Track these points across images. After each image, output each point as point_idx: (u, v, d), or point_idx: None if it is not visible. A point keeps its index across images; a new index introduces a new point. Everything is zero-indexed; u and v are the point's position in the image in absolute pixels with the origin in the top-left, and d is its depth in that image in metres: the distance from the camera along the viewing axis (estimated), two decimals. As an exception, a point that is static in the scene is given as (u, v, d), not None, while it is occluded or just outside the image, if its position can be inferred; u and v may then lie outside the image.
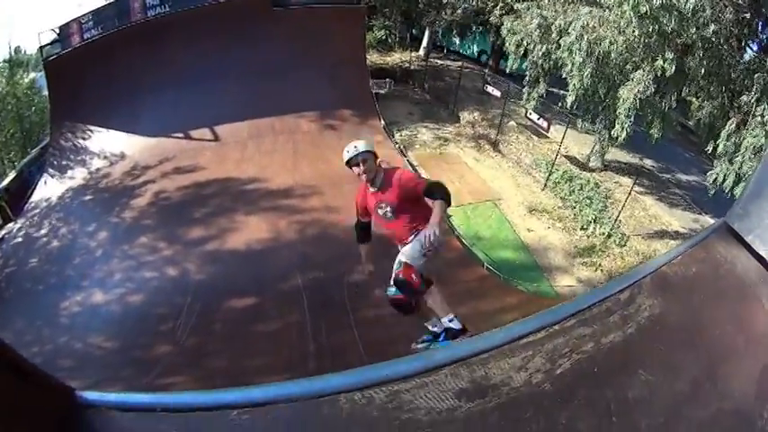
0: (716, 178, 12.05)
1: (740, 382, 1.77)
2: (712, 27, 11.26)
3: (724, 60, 11.93)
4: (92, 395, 1.62)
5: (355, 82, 16.44)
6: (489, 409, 1.58)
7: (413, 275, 4.39)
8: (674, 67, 11.92)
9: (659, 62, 12.05)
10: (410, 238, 4.65)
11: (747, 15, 12.15)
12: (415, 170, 13.79)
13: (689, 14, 11.17)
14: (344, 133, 13.60)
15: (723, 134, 11.78)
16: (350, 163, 4.66)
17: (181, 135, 15.19)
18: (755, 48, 13.10)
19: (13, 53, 24.78)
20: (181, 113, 15.21)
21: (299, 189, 12.58)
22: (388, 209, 4.67)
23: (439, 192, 4.41)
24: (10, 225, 13.13)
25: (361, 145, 4.62)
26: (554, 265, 11.63)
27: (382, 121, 15.99)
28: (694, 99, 13.38)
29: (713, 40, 11.55)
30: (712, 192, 12.58)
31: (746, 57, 12.84)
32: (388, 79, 18.08)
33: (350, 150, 4.62)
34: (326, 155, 13.79)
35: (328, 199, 12.09)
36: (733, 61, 12.06)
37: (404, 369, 1.66)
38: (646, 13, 11.43)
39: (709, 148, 12.38)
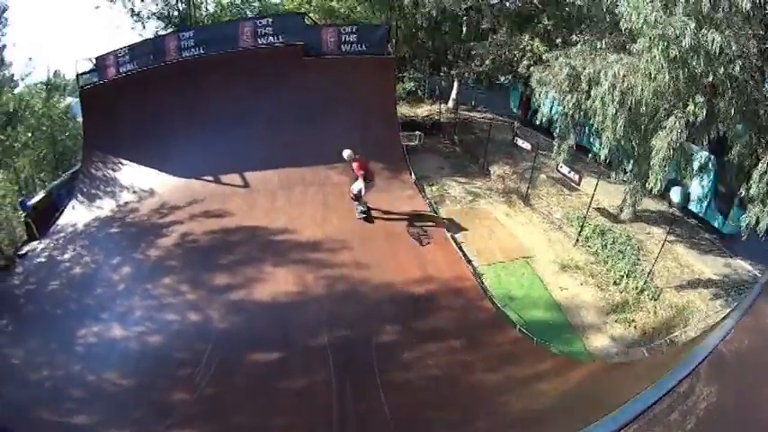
0: (749, 222, 11.73)
1: None
2: (738, 63, 11.17)
3: (751, 96, 11.78)
4: None
5: (386, 134, 16.48)
6: None
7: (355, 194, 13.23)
8: (704, 111, 11.81)
9: (690, 107, 11.93)
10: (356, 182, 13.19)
11: None
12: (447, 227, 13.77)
13: (716, 53, 11.12)
14: (375, 187, 13.59)
15: (755, 175, 11.45)
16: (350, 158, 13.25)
17: (211, 178, 15.28)
18: None
19: (51, 76, 25.39)
20: (211, 156, 15.39)
21: (328, 243, 12.41)
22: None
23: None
24: (34, 243, 13.28)
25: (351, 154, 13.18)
26: (587, 323, 11.28)
27: (413, 176, 15.88)
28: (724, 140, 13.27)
29: (739, 77, 11.44)
30: (745, 236, 12.38)
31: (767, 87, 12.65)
32: (418, 132, 18.09)
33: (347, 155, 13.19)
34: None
35: (358, 254, 11.97)
36: (760, 96, 11.91)
37: None
38: (675, 57, 11.39)
39: (742, 192, 12.05)
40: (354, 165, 13.11)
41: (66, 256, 12.83)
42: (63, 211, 14.53)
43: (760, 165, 11.38)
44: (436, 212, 14.45)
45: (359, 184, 13.15)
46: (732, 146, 12.17)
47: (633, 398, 2.47)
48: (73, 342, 9.97)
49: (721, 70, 11.20)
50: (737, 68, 11.06)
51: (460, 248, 12.90)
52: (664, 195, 15.33)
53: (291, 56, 16.29)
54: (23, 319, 10.67)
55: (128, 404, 8.54)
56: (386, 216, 13.62)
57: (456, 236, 13.50)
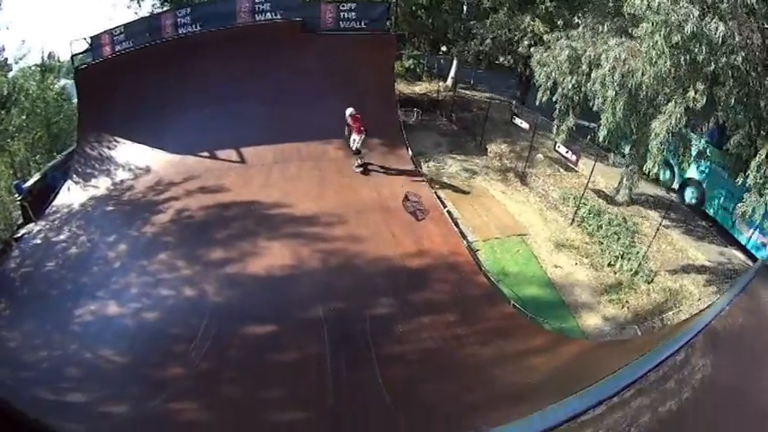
0: (744, 211, 11.82)
1: None
2: (741, 54, 11.13)
3: (752, 88, 11.75)
4: None
5: (383, 111, 16.40)
6: None
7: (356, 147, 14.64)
8: (705, 99, 11.78)
9: (690, 94, 11.90)
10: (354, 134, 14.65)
11: None
12: (443, 203, 13.72)
13: (719, 42, 11.06)
14: (371, 162, 13.52)
15: (753, 165, 11.46)
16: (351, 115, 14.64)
17: (206, 154, 15.22)
18: None
19: (45, 58, 25.22)
20: (207, 133, 15.30)
21: (323, 217, 12.41)
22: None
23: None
24: (30, 225, 13.15)
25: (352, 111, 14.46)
26: (580, 302, 11.35)
27: (410, 152, 15.90)
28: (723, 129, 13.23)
29: (741, 67, 11.40)
30: (739, 225, 12.36)
31: None
32: (416, 109, 18.16)
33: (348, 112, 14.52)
34: (352, 183, 13.72)
35: (353, 228, 11.97)
36: (761, 88, 11.89)
37: None
38: (677, 43, 11.32)
39: (740, 180, 12.12)
40: (352, 121, 14.42)
41: (62, 236, 12.75)
42: (58, 192, 14.40)
43: (758, 155, 11.41)
44: (433, 188, 14.44)
45: (359, 138, 14.40)
46: (731, 136, 12.17)
47: (628, 366, 2.45)
48: (69, 322, 9.94)
49: (723, 60, 11.17)
50: (740, 59, 11.01)
51: (456, 224, 12.93)
52: (671, 188, 15.33)
53: (289, 32, 16.10)
54: (20, 301, 10.60)
55: (124, 380, 8.54)
56: (382, 189, 13.60)
57: (451, 212, 13.51)
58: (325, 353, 8.65)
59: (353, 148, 14.62)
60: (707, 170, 14.31)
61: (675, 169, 15.20)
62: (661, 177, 15.40)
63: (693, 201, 14.82)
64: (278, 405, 7.81)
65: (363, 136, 14.52)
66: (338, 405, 7.67)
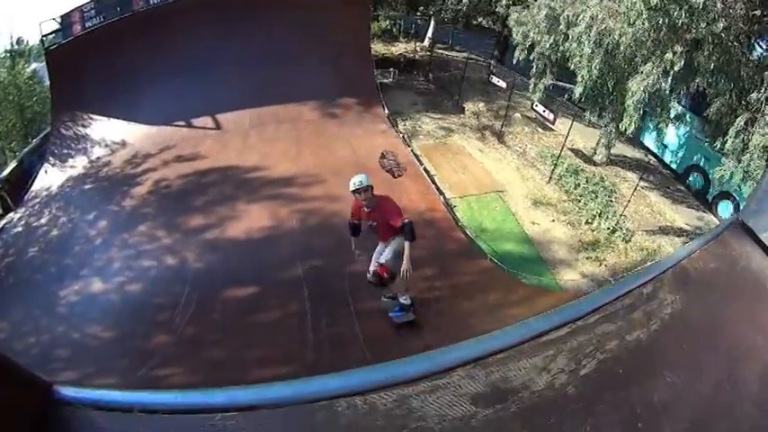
0: (722, 175, 11.96)
1: (761, 382, 1.66)
2: (722, 23, 11.09)
3: (733, 57, 11.74)
4: (69, 391, 1.47)
5: (359, 71, 16.30)
6: (510, 416, 1.42)
7: (384, 273, 7.28)
8: (682, 62, 11.77)
9: (668, 56, 11.89)
10: (388, 241, 7.33)
11: (758, 12, 11.99)
12: (419, 161, 13.70)
13: (699, 8, 10.99)
14: (347, 122, 13.47)
15: (731, 131, 11.60)
16: (355, 192, 6.79)
17: (182, 123, 15.11)
18: (765, 45, 12.90)
19: (14, 44, 24.75)
20: (182, 101, 15.13)
21: (301, 178, 12.43)
22: (374, 223, 7.16)
23: (408, 234, 6.69)
24: (10, 215, 13.07)
25: (364, 179, 6.71)
26: (558, 258, 11.50)
27: (386, 110, 15.85)
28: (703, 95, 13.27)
29: (722, 35, 11.39)
30: (718, 190, 12.45)
31: (756, 54, 12.69)
32: (392, 69, 17.97)
33: (356, 183, 6.71)
34: (329, 143, 13.67)
35: (330, 188, 11.93)
36: (743, 58, 11.89)
37: (412, 370, 1.48)
38: (656, 5, 11.28)
39: (718, 145, 12.23)
40: (387, 211, 7.04)
41: (43, 220, 12.71)
42: (36, 176, 14.30)
43: (737, 121, 11.44)
44: (409, 146, 14.42)
45: (389, 253, 7.26)
46: (711, 102, 12.24)
47: (591, 294, 2.48)
48: (55, 304, 9.99)
49: (703, 26, 11.15)
50: (720, 27, 10.95)
51: (433, 181, 12.99)
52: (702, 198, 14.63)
53: (263, -5, 15.85)
54: (6, 291, 10.61)
55: (111, 355, 8.61)
56: (358, 148, 13.49)
57: (428, 169, 13.55)
58: (305, 310, 8.75)
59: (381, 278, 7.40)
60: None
61: (711, 179, 13.96)
62: (691, 184, 15.05)
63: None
64: (261, 363, 7.91)
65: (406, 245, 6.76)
66: (318, 359, 7.80)
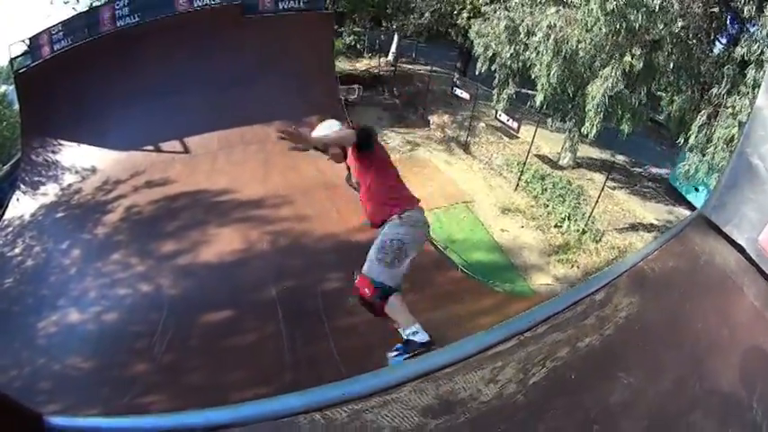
0: (687, 170, 12.29)
1: (727, 374, 1.78)
2: (680, 22, 11.39)
3: (693, 54, 12.06)
4: (59, 420, 1.60)
5: (324, 89, 16.48)
6: (458, 426, 1.51)
7: (365, 289, 3.98)
8: (641, 63, 12.07)
9: (627, 58, 12.20)
10: (379, 224, 4.20)
11: (716, 9, 12.36)
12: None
13: (656, 10, 11.33)
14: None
15: (694, 127, 11.98)
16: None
17: (151, 148, 15.13)
18: (724, 41, 13.28)
19: (-19, 66, 24.49)
20: (151, 126, 15.15)
21: (270, 199, 12.58)
22: (356, 181, 4.44)
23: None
24: (-17, 244, 12.92)
25: (336, 123, 4.33)
26: (530, 263, 11.75)
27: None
28: (664, 93, 13.59)
29: (681, 35, 11.72)
30: (683, 184, 12.78)
31: (716, 50, 13.06)
32: (356, 85, 18.23)
33: (333, 127, 4.31)
34: (297, 164, 13.76)
35: (299, 208, 12.18)
36: (702, 55, 12.20)
37: (365, 386, 1.61)
38: (613, 10, 11.58)
39: (681, 141, 12.58)
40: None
41: (17, 250, 12.62)
42: (8, 205, 14.18)
43: (699, 117, 11.77)
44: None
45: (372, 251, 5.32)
46: (673, 100, 12.51)
47: (541, 304, 2.54)
48: (35, 336, 9.97)
49: (661, 27, 11.43)
50: (679, 26, 11.23)
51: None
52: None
53: (228, 17, 16.04)
54: (-17, 323, 10.50)
55: (93, 385, 8.61)
56: (325, 168, 13.46)
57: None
58: (280, 331, 8.89)
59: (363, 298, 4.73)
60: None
61: None
62: None
63: None
64: (240, 386, 8.04)
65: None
66: (296, 379, 8.00)
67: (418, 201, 4.26)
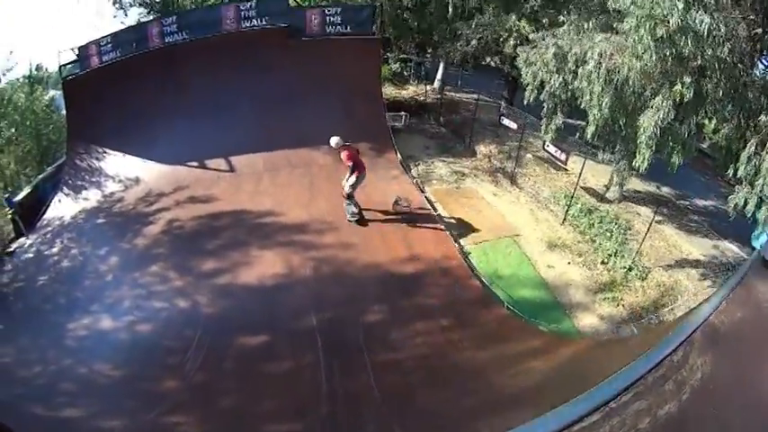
0: (737, 203, 11.77)
1: None
2: (727, 46, 11.14)
3: (739, 80, 11.78)
4: None
5: (371, 115, 16.45)
6: None
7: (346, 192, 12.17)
8: (692, 92, 11.80)
9: (677, 87, 11.92)
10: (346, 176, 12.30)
11: (759, 30, 12.02)
12: (433, 206, 13.66)
13: (705, 35, 11.07)
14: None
15: (743, 157, 11.41)
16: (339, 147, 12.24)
17: (196, 164, 15.19)
18: (766, 63, 12.96)
19: (34, 70, 25.08)
20: (196, 142, 15.28)
21: (314, 224, 12.40)
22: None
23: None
24: (22, 239, 13.14)
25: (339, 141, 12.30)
26: (575, 302, 11.32)
27: (399, 156, 15.89)
28: (707, 121, 13.18)
29: (728, 59, 11.42)
30: (732, 217, 12.38)
31: (758, 72, 12.64)
32: (403, 113, 18.10)
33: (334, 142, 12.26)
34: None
35: (344, 236, 11.96)
36: (749, 80, 11.91)
37: None
38: (662, 37, 11.35)
39: (730, 173, 12.08)
40: (343, 154, 12.19)
41: (54, 249, 12.71)
42: (49, 204, 14.36)
43: (748, 147, 11.43)
44: (423, 192, 14.44)
45: (350, 180, 12.25)
46: (719, 129, 12.20)
47: (625, 368, 2.42)
48: (63, 336, 9.88)
49: (709, 52, 11.18)
50: (726, 51, 11.04)
51: (447, 227, 12.88)
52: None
53: (275, 38, 16.10)
54: (13, 316, 10.55)
55: (119, 395, 8.49)
56: (372, 195, 13.44)
57: (442, 215, 13.48)
58: (319, 361, 8.63)
59: (343, 193, 12.55)
60: None
61: None
62: None
63: None
64: (273, 415, 7.82)
65: (356, 177, 12.29)
66: (333, 413, 7.71)
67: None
